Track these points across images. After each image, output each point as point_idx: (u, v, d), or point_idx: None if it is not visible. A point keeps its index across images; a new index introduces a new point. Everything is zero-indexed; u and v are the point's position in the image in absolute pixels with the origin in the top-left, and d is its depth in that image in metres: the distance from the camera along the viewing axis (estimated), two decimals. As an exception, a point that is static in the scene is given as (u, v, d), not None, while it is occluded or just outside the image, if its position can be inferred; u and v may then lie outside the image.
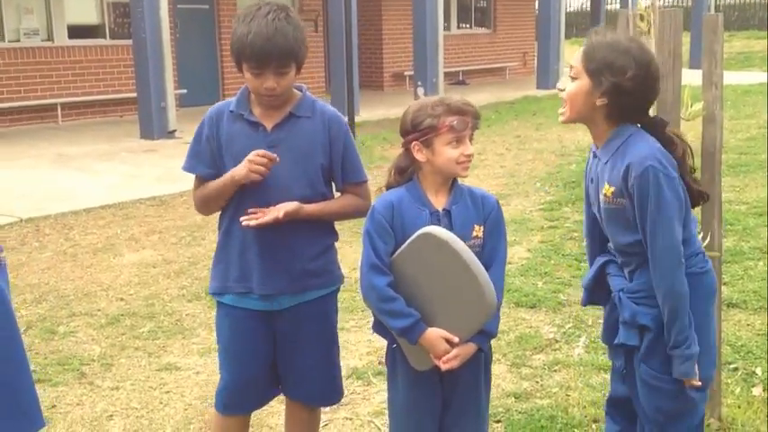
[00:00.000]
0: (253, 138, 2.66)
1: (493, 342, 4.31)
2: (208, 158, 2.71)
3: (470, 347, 2.49)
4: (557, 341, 4.39)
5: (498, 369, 4.04)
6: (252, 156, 2.57)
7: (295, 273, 2.70)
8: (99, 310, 5.04)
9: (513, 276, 5.37)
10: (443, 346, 2.45)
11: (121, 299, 5.25)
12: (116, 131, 12.36)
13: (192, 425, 3.63)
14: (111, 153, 10.56)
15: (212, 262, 2.83)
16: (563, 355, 4.20)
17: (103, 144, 11.26)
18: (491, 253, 2.52)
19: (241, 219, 2.60)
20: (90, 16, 13.96)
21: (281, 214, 2.57)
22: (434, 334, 2.45)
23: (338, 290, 2.89)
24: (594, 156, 2.54)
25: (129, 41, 12.45)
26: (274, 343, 2.81)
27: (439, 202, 2.52)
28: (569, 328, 4.51)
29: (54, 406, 3.81)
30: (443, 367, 2.46)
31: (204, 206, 2.79)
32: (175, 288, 5.41)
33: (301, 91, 2.74)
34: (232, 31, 2.61)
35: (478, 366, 2.59)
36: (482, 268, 2.41)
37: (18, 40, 12.99)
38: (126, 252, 6.30)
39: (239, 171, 2.59)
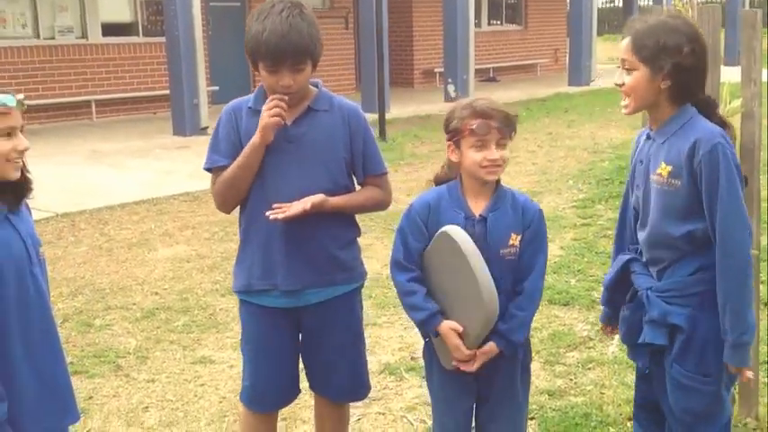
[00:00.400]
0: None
1: (526, 339, 4.32)
2: (228, 150, 2.70)
3: (490, 349, 2.48)
4: (590, 339, 4.36)
5: (532, 366, 4.02)
6: (264, 107, 2.57)
7: (320, 266, 2.71)
8: (134, 304, 5.10)
9: (546, 274, 5.34)
10: (454, 339, 2.46)
11: (156, 293, 5.31)
12: (149, 128, 12.49)
13: (227, 417, 3.66)
14: (145, 150, 10.67)
15: (235, 260, 2.84)
16: (597, 353, 4.18)
17: (137, 141, 11.38)
18: (529, 262, 2.50)
19: (267, 213, 2.59)
20: (123, 14, 14.11)
21: (308, 206, 2.57)
22: (446, 326, 2.48)
23: (362, 286, 2.89)
24: (648, 137, 2.50)
25: (162, 39, 12.56)
26: (299, 340, 2.82)
27: (478, 206, 2.51)
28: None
29: (91, 397, 3.86)
30: (462, 368, 2.47)
31: (228, 192, 2.72)
32: (209, 283, 5.46)
33: (317, 86, 2.74)
34: (246, 30, 2.61)
35: (514, 364, 2.58)
36: (487, 274, 2.39)
37: (53, 38, 13.16)
38: (160, 247, 6.37)
39: (260, 126, 2.57)
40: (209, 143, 2.76)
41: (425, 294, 2.51)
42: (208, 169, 2.76)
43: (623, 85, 2.43)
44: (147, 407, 3.80)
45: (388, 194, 2.83)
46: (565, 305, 4.86)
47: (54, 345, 2.29)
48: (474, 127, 2.43)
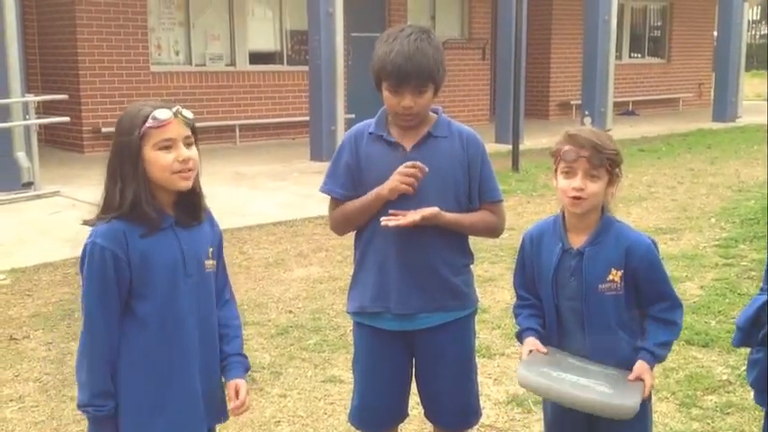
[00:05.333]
0: (392, 158, 2.70)
1: (661, 380, 4.19)
2: (344, 180, 2.77)
3: (641, 367, 2.46)
4: (730, 383, 4.17)
5: (666, 407, 3.90)
6: (401, 168, 2.62)
7: (433, 292, 2.74)
8: (269, 321, 5.27)
9: (684, 313, 5.14)
10: (526, 349, 2.53)
11: (290, 311, 5.47)
12: (288, 153, 12.90)
13: (354, 437, 3.72)
14: (283, 173, 11.04)
15: (350, 283, 2.90)
16: (737, 397, 4.00)
17: (276, 164, 11.78)
18: (653, 292, 2.48)
19: (381, 219, 2.64)
20: (270, 43, 14.70)
21: (418, 218, 2.60)
22: (529, 341, 2.55)
23: (475, 312, 2.91)
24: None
25: (305, 68, 12.99)
26: (412, 364, 2.86)
27: (579, 238, 2.49)
28: (745, 370, 4.27)
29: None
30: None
31: (344, 224, 2.84)
32: (340, 304, 5.57)
33: (437, 113, 2.78)
34: (374, 52, 2.68)
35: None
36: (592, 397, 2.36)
37: (204, 65, 13.85)
38: (295, 267, 6.56)
39: (388, 184, 2.64)
40: (329, 167, 2.85)
41: (527, 315, 2.60)
42: (324, 192, 2.85)
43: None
44: (278, 421, 3.91)
45: (502, 221, 2.84)
46: (704, 346, 4.67)
47: (192, 363, 2.33)
48: (562, 152, 2.43)
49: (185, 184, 2.31)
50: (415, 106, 2.64)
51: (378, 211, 2.70)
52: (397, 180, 2.62)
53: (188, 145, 2.30)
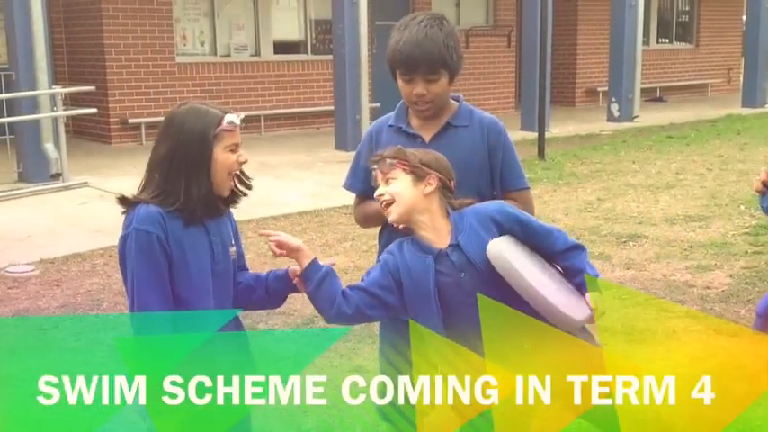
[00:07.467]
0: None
1: (688, 369, 4.14)
2: (364, 176, 2.75)
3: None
4: (760, 373, 4.12)
5: (694, 397, 3.86)
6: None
7: None
8: (295, 311, 5.29)
9: (713, 302, 5.12)
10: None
11: (316, 301, 5.48)
12: (313, 143, 12.91)
13: (380, 427, 3.72)
14: (308, 163, 11.05)
15: None
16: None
17: (301, 154, 11.79)
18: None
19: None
20: (294, 33, 14.70)
21: None
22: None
23: None
24: None
25: (329, 57, 12.99)
26: None
27: (442, 241, 2.53)
28: (775, 360, 4.23)
29: (253, 398, 4.04)
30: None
31: (366, 223, 2.86)
32: (366, 294, 5.57)
33: (458, 101, 2.75)
34: (388, 41, 2.67)
35: None
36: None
37: (228, 55, 13.89)
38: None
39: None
40: (352, 163, 2.85)
41: None
42: (345, 188, 2.86)
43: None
44: (305, 411, 3.91)
45: (530, 210, 2.76)
46: (733, 336, 4.61)
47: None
48: None
49: (227, 192, 2.42)
50: (429, 94, 2.61)
51: None
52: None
53: None
